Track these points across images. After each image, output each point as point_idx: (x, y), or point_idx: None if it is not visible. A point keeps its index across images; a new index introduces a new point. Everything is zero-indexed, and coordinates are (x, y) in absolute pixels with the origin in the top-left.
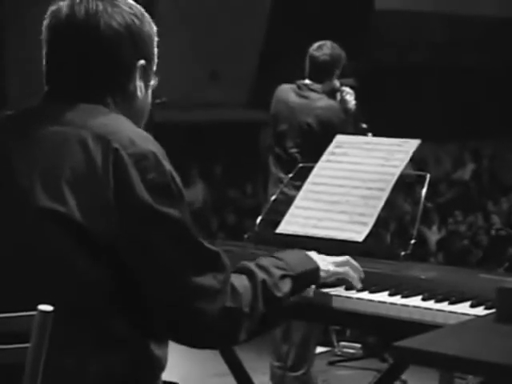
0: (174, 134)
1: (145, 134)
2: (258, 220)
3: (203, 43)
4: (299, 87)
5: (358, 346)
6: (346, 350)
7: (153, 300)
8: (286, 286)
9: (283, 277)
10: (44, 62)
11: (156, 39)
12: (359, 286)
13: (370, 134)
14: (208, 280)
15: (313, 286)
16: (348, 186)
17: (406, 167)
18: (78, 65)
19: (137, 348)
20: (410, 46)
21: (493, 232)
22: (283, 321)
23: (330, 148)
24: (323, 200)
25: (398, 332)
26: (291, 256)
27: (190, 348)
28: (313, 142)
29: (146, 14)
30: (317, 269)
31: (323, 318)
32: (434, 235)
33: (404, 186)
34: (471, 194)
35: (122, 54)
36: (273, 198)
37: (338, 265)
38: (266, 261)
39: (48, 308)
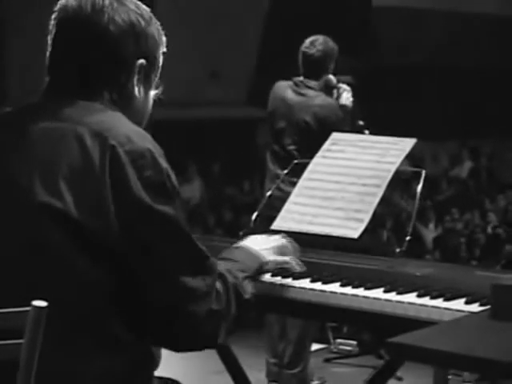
0: (172, 131)
1: (142, 131)
2: (254, 216)
3: (202, 42)
4: (296, 84)
5: (355, 343)
6: (342, 347)
7: (145, 298)
8: (249, 287)
9: (245, 278)
10: (47, 54)
11: (163, 48)
12: (298, 269)
13: (366, 131)
14: (198, 282)
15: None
16: (343, 182)
17: (402, 164)
18: (79, 58)
19: (135, 347)
20: (409, 44)
21: (489, 230)
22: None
23: (326, 145)
24: (318, 196)
25: (393, 328)
26: (243, 256)
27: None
28: (310, 139)
29: (156, 20)
30: (262, 265)
31: (319, 315)
32: (430, 233)
33: (400, 182)
34: (468, 191)
35: (123, 50)
36: (268, 194)
37: (277, 251)
38: (228, 264)
39: (42, 303)
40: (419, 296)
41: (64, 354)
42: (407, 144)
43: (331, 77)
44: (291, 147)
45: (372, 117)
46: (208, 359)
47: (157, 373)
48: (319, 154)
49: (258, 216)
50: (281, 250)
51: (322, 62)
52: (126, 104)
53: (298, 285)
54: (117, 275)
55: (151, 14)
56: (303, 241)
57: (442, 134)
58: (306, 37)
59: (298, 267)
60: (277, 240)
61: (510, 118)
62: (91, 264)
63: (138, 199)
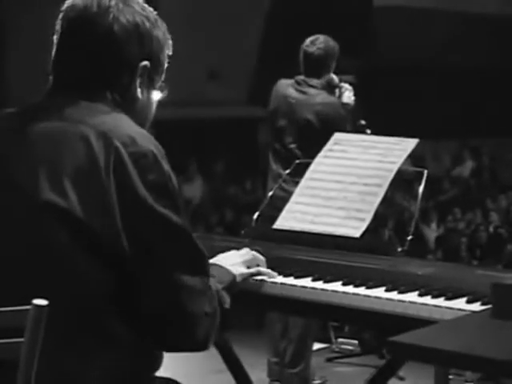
0: (174, 130)
1: (145, 133)
2: (255, 216)
3: (203, 42)
4: (298, 82)
5: (356, 342)
6: (343, 346)
7: (145, 297)
8: (227, 297)
9: (223, 289)
10: (53, 53)
11: (168, 51)
12: (275, 275)
13: (368, 131)
14: (196, 281)
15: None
16: (345, 181)
17: (404, 164)
18: (82, 58)
19: (137, 347)
20: (410, 43)
21: (491, 229)
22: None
23: (328, 145)
24: (320, 196)
25: (394, 328)
26: (216, 271)
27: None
28: (312, 137)
29: (162, 23)
30: (235, 277)
31: (320, 314)
32: (432, 233)
33: (402, 182)
34: (470, 191)
35: (127, 51)
36: (270, 193)
37: (247, 263)
38: None
39: (42, 302)
40: (420, 295)
41: (65, 353)
42: (409, 144)
43: (333, 76)
44: (292, 145)
45: (373, 116)
46: (209, 359)
47: (157, 373)
48: (321, 153)
49: (259, 215)
50: (251, 262)
51: (322, 60)
52: (128, 105)
53: (299, 284)
54: (118, 275)
55: (157, 17)
56: (305, 240)
57: (444, 133)
58: (307, 36)
59: (270, 275)
60: (245, 254)
61: (511, 117)
62: (93, 263)
63: (141, 200)
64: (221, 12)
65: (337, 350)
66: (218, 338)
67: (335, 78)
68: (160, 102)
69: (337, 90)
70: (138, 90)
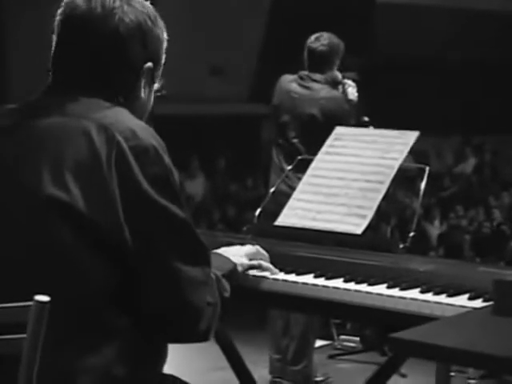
0: (176, 127)
1: (147, 126)
2: (257, 212)
3: (205, 39)
4: (302, 78)
5: (358, 339)
6: (346, 343)
7: (148, 290)
8: (227, 285)
9: (222, 277)
10: (52, 51)
11: (165, 45)
12: (276, 271)
13: (371, 127)
14: (197, 271)
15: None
16: (347, 178)
17: (406, 160)
18: (85, 58)
19: (140, 344)
20: (412, 40)
21: (494, 226)
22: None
23: (329, 140)
24: (322, 192)
25: (396, 324)
26: (216, 259)
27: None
28: (316, 132)
29: (160, 19)
30: (235, 266)
31: (322, 311)
32: (435, 230)
33: (404, 179)
34: (472, 188)
35: (132, 53)
36: (272, 189)
37: (250, 256)
38: None
39: (44, 298)
40: (422, 292)
41: (67, 349)
42: (410, 137)
43: (337, 73)
44: (295, 140)
45: (376, 113)
46: (211, 356)
47: None
48: (323, 149)
49: (261, 212)
50: (254, 256)
51: (326, 56)
52: (130, 104)
53: (300, 280)
54: (121, 269)
55: (156, 13)
56: (307, 237)
57: (446, 130)
58: (310, 33)
59: (271, 270)
60: (249, 248)
61: None
62: (96, 259)
63: (143, 193)
64: (223, 8)
65: (339, 346)
66: (219, 333)
67: (339, 74)
68: (162, 99)
69: (340, 87)
70: (142, 90)
